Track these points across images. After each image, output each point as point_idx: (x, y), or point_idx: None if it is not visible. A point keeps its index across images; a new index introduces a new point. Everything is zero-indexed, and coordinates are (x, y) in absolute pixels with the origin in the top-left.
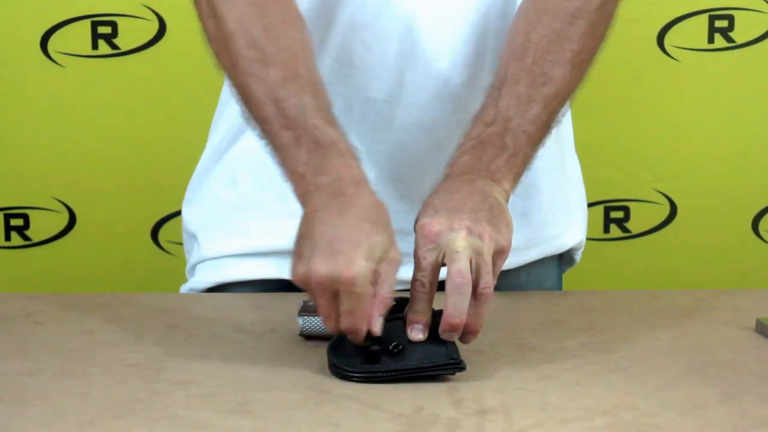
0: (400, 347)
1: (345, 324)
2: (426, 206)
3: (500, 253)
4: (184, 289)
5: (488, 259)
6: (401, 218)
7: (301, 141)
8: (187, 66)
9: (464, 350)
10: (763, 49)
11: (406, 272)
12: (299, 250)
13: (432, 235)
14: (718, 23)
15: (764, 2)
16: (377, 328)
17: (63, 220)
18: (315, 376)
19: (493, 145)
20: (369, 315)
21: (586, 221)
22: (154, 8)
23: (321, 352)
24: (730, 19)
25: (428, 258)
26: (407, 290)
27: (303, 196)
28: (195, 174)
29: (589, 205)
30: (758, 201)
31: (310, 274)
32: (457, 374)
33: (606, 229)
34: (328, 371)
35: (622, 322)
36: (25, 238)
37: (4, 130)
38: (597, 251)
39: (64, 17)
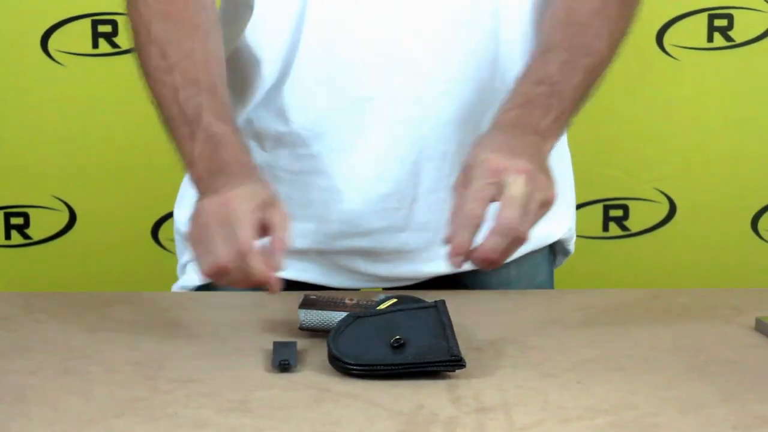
0: (401, 341)
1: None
2: (483, 144)
3: (546, 204)
4: (175, 287)
5: (535, 207)
6: (399, 215)
7: (195, 135)
8: None
9: (464, 348)
10: (762, 48)
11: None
12: (193, 226)
13: (497, 170)
14: (718, 22)
15: (763, 1)
16: (281, 263)
17: (63, 218)
18: (315, 374)
19: (541, 105)
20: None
21: (573, 212)
22: None
23: (321, 350)
24: (730, 18)
25: (486, 192)
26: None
27: (197, 182)
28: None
29: (589, 203)
30: (757, 200)
31: (197, 210)
32: (457, 372)
33: (605, 228)
34: (328, 369)
35: (622, 321)
36: (26, 236)
37: (4, 128)
38: (596, 249)
39: (65, 16)
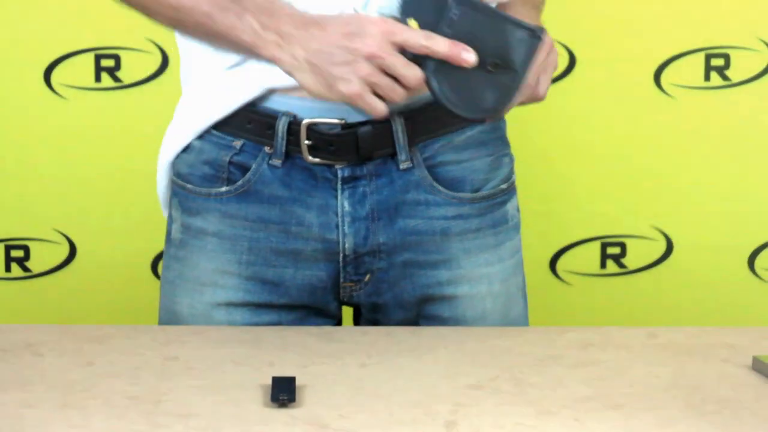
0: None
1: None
2: None
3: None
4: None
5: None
6: None
7: (244, 15)
8: None
9: (461, 385)
10: (758, 87)
11: None
12: (333, 67)
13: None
14: (714, 61)
15: (760, 41)
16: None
17: (63, 251)
18: (314, 410)
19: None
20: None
21: None
22: (157, 41)
23: (318, 387)
24: (726, 57)
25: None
26: None
27: (276, 49)
28: None
29: (586, 240)
30: (754, 238)
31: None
32: (456, 408)
33: (603, 265)
34: (327, 405)
35: (620, 358)
36: (26, 269)
37: (6, 160)
38: (594, 287)
39: (68, 50)
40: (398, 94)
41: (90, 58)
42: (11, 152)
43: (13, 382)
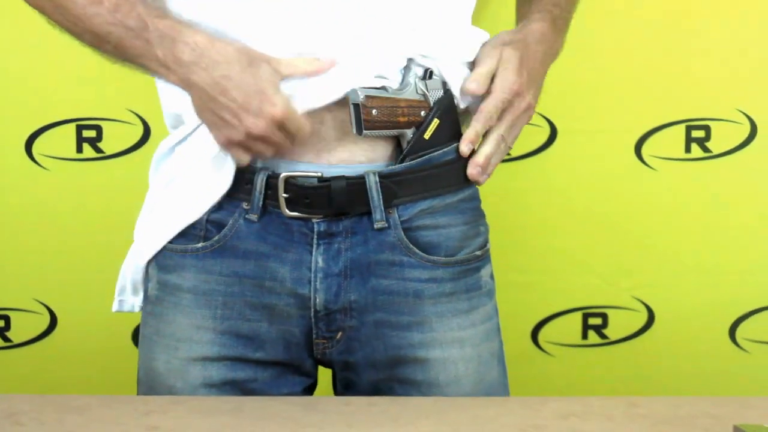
0: None
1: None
2: (511, 50)
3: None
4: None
5: (520, 125)
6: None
7: (150, 42)
8: None
9: None
10: (739, 159)
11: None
12: (216, 117)
13: (513, 91)
14: (695, 133)
15: (740, 113)
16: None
17: (44, 321)
18: None
19: (558, 29)
20: None
21: None
22: (138, 112)
23: None
24: (707, 129)
25: (501, 106)
26: None
27: (182, 82)
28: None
29: (568, 311)
30: (735, 309)
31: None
32: None
33: (584, 336)
34: None
35: (601, 429)
36: (6, 339)
37: None
38: (575, 357)
39: (49, 120)
40: (285, 148)
41: (71, 128)
42: None
43: None
